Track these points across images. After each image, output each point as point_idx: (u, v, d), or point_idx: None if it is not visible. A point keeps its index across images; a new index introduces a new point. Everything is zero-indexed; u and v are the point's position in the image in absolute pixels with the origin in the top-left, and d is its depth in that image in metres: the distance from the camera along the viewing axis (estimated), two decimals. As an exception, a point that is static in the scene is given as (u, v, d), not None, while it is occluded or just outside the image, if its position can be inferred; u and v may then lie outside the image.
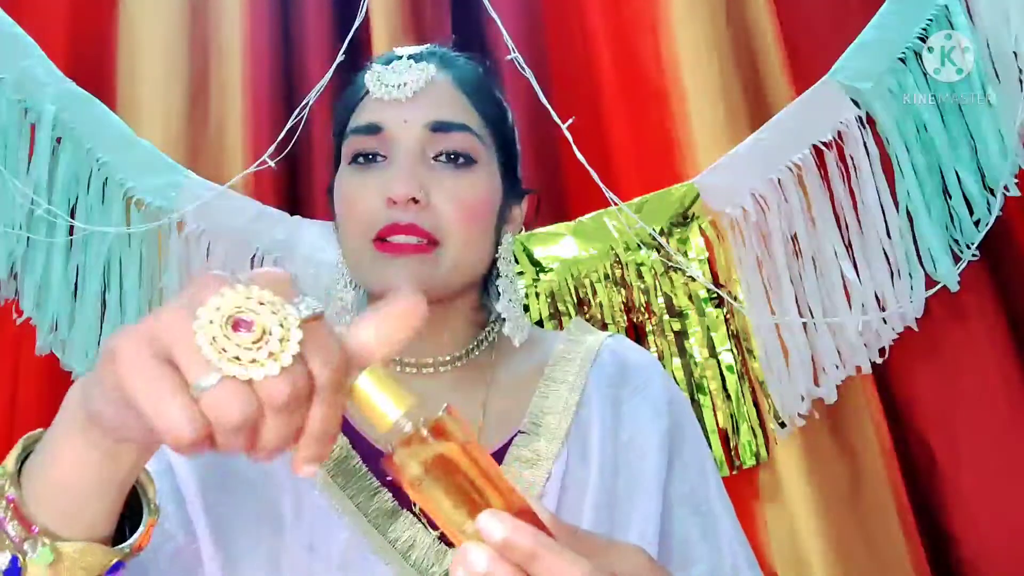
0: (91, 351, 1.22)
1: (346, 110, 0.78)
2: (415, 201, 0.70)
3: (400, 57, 0.76)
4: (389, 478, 0.70)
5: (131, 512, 0.49)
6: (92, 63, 1.33)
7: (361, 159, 0.74)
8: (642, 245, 1.24)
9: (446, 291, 0.73)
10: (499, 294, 0.78)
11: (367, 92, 0.75)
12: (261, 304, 0.36)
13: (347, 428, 0.73)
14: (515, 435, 0.73)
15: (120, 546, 0.47)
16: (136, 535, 0.48)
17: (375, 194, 0.71)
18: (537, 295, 1.25)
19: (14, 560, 0.44)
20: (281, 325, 0.35)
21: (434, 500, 0.39)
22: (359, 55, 1.30)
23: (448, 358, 0.76)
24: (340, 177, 0.76)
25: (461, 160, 0.73)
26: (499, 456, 0.72)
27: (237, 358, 0.34)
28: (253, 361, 0.34)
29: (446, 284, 0.72)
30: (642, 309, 1.24)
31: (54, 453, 0.44)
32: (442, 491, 0.39)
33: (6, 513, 0.44)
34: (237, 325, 0.35)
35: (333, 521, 0.67)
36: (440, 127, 0.73)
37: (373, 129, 0.73)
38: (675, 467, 0.74)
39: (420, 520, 0.68)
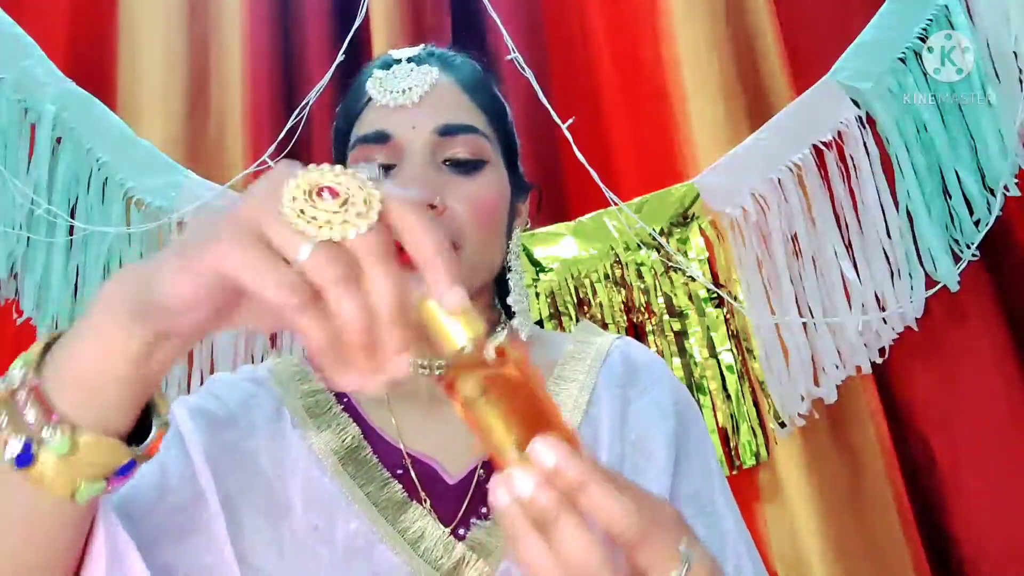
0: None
1: (348, 119, 0.77)
2: (432, 207, 0.69)
3: (399, 60, 0.76)
4: (400, 471, 0.70)
5: (138, 431, 0.49)
6: (92, 63, 1.33)
7: None
8: (642, 245, 1.24)
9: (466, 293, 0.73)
10: (510, 289, 0.78)
11: (370, 99, 0.74)
12: (336, 175, 0.38)
13: (358, 418, 0.73)
14: None
15: (134, 447, 0.46)
16: (149, 439, 0.48)
17: None
18: (537, 295, 1.25)
19: (27, 446, 0.43)
20: (360, 188, 0.38)
21: (486, 421, 0.40)
22: (359, 55, 1.30)
23: None
24: None
25: (471, 163, 0.72)
26: None
27: (328, 223, 0.37)
28: (344, 223, 0.37)
29: (466, 285, 0.72)
30: (642, 309, 1.24)
31: (85, 342, 0.44)
32: (495, 413, 0.40)
33: (27, 399, 0.44)
34: (320, 194, 0.37)
35: (342, 509, 0.67)
36: (449, 131, 0.72)
37: (382, 137, 0.72)
38: (681, 467, 0.74)
39: (430, 513, 0.68)
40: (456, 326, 0.39)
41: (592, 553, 0.38)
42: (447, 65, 0.76)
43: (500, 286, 0.81)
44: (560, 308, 1.24)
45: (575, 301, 1.25)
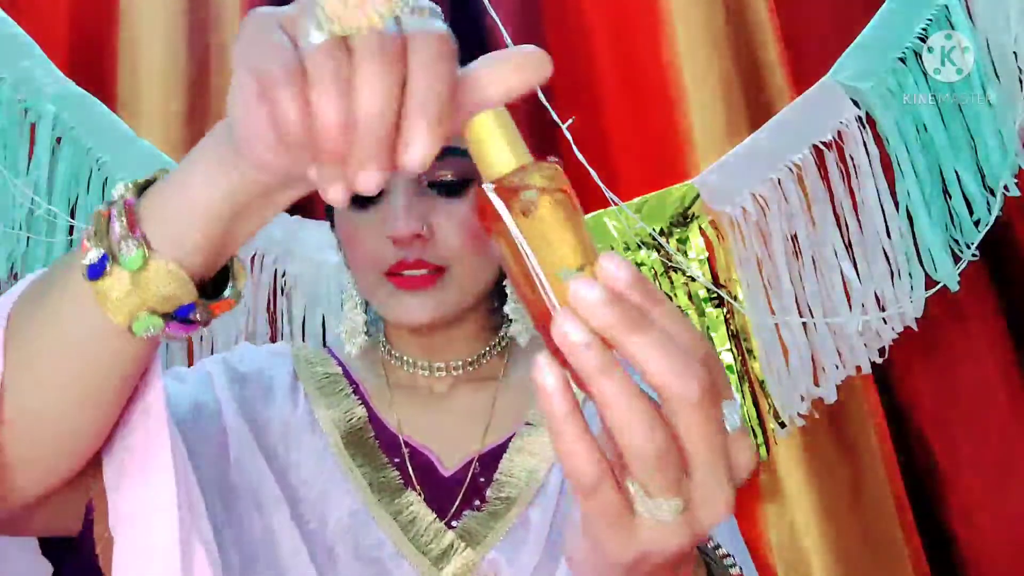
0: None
1: None
2: (418, 236, 0.70)
3: None
4: (397, 459, 0.71)
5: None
6: (92, 63, 1.33)
7: (357, 200, 0.73)
8: (642, 245, 1.24)
9: (461, 309, 0.74)
10: (506, 296, 0.78)
11: None
12: None
13: (366, 403, 0.76)
14: (520, 428, 0.74)
15: (202, 298, 0.47)
16: (218, 298, 0.48)
17: (377, 233, 0.71)
18: (537, 295, 1.25)
19: (103, 259, 0.44)
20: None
21: (542, 232, 0.34)
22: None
23: (460, 362, 0.78)
24: (339, 215, 0.76)
25: (457, 184, 0.72)
26: (502, 447, 0.73)
27: (340, 17, 0.35)
28: (355, 18, 0.35)
29: (460, 303, 0.74)
30: (642, 309, 1.24)
31: (184, 173, 0.45)
32: (555, 225, 0.34)
33: (119, 212, 0.45)
34: None
35: (339, 484, 0.69)
36: None
37: None
38: None
39: (425, 501, 0.69)
40: (503, 150, 0.35)
41: (685, 363, 0.32)
42: None
43: (499, 295, 0.81)
44: (560, 308, 1.25)
45: (575, 301, 1.25)
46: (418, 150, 0.34)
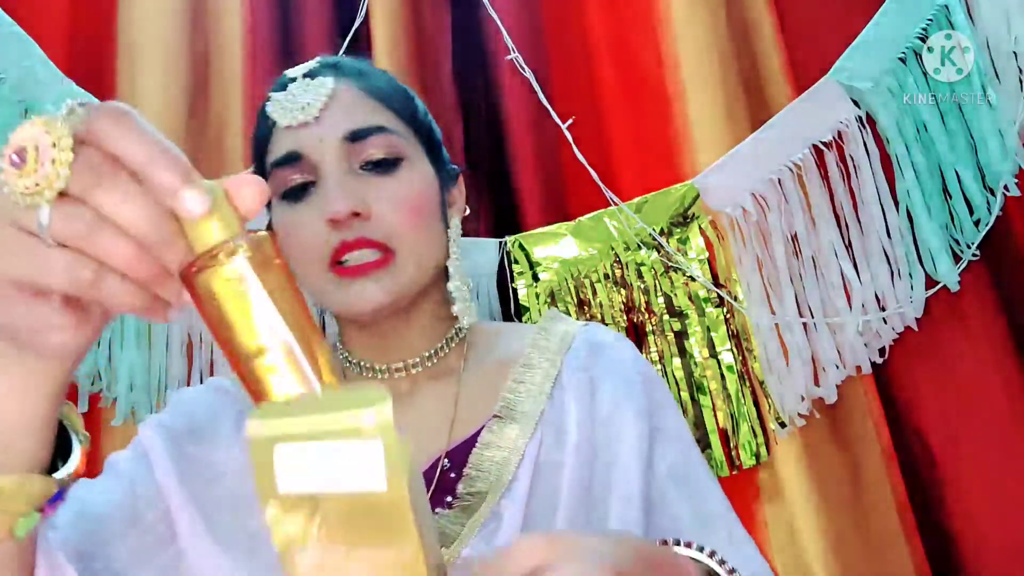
0: (89, 352, 1.22)
1: (259, 147, 0.77)
2: (357, 215, 0.69)
3: (294, 79, 0.76)
4: None
5: (60, 445, 0.48)
6: (92, 63, 1.33)
7: (291, 193, 0.73)
8: (642, 245, 1.24)
9: (412, 292, 0.74)
10: (449, 276, 0.78)
11: (274, 123, 0.74)
12: (18, 131, 0.35)
13: None
14: (489, 420, 0.74)
15: (57, 475, 0.46)
16: (72, 463, 0.47)
17: (315, 219, 0.71)
18: (537, 295, 1.25)
19: None
20: (46, 131, 0.34)
21: (229, 313, 0.34)
22: (359, 55, 1.30)
23: (418, 359, 0.77)
24: (275, 213, 0.75)
25: (388, 162, 0.72)
26: (471, 441, 0.73)
27: (36, 185, 0.33)
28: (47, 176, 0.33)
29: (411, 287, 0.73)
30: (642, 309, 1.24)
31: None
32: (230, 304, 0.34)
33: None
34: (14, 162, 0.34)
35: None
36: (357, 135, 0.72)
37: (292, 158, 0.73)
38: (656, 442, 0.74)
39: None
40: (209, 225, 0.34)
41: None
42: (341, 72, 0.76)
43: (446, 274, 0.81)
44: (560, 308, 1.24)
45: (575, 301, 1.25)
46: (197, 204, 0.34)
